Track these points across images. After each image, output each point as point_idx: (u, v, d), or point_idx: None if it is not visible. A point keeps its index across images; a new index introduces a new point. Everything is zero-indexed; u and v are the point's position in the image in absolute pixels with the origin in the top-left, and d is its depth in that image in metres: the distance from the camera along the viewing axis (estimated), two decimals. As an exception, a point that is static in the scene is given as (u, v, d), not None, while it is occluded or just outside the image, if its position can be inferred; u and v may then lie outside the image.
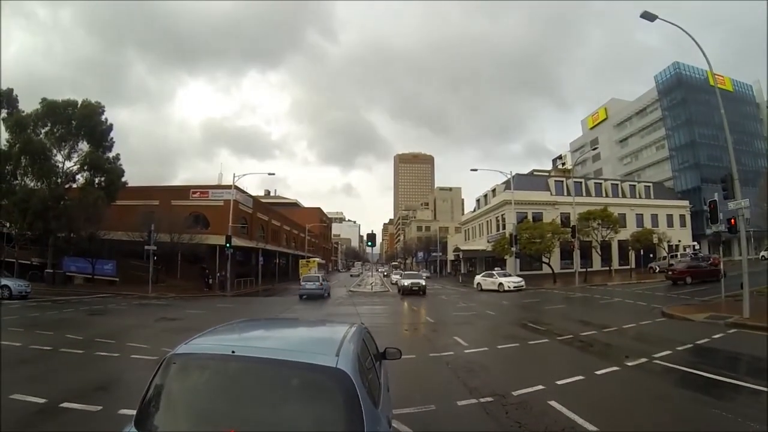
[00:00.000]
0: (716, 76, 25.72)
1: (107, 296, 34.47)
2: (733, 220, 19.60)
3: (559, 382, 10.04)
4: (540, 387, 9.75)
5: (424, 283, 42.63)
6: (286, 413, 3.54)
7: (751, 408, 8.22)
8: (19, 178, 43.15)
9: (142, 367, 11.76)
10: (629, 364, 11.62)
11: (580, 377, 10.48)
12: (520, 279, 44.71)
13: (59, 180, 44.34)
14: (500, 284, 43.45)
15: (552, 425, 7.55)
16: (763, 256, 60.35)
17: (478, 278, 49.07)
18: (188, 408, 3.75)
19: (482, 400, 9.02)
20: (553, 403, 8.63)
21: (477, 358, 13.21)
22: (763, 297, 22.51)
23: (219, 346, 4.12)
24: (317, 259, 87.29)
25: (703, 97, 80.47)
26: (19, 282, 30.72)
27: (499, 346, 14.83)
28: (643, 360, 11.99)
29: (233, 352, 3.81)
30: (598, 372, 10.95)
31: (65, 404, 8.30)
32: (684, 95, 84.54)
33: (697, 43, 20.51)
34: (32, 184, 43.55)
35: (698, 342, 14.17)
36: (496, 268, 53.22)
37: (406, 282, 43.10)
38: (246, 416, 3.47)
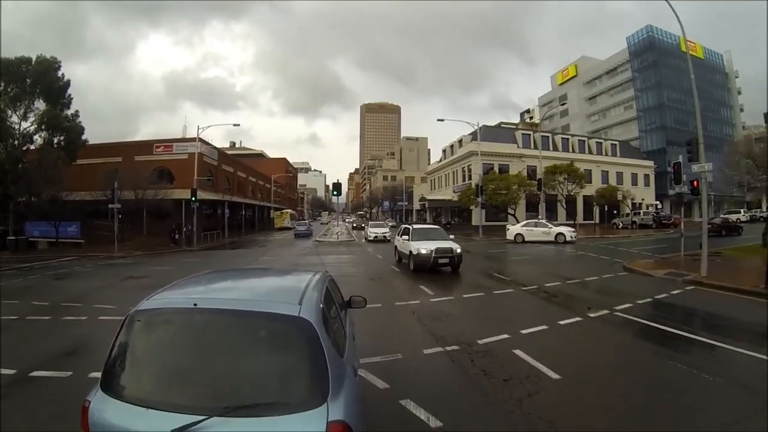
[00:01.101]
0: (688, 43, 25.69)
1: (72, 259, 33.72)
2: (695, 183, 19.77)
3: (523, 332, 10.23)
4: (505, 336, 9.92)
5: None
6: (249, 364, 3.57)
7: (705, 361, 8.43)
8: None
9: (110, 328, 11.50)
10: (591, 315, 11.81)
11: (544, 327, 10.66)
12: (573, 229, 42.75)
13: (16, 142, 42.29)
14: (559, 234, 39.25)
15: (517, 373, 7.69)
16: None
17: (516, 228, 42.58)
18: (154, 365, 3.76)
19: (448, 348, 9.16)
20: (517, 351, 8.80)
21: (443, 307, 13.37)
22: (719, 257, 23.05)
23: (181, 299, 4.08)
24: (290, 211, 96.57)
25: (674, 61, 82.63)
26: None
27: (465, 296, 15.03)
28: (605, 312, 12.20)
29: (195, 305, 3.80)
30: (562, 322, 11.16)
31: (36, 373, 8.24)
32: (655, 58, 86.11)
33: (671, 6, 20.39)
34: None
35: (657, 297, 14.43)
36: (537, 216, 51.40)
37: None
38: (210, 368, 3.54)
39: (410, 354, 8.82)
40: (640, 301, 13.67)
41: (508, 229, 43.68)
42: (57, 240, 44.13)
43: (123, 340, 3.77)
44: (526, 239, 40.15)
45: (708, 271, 17.59)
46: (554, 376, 7.57)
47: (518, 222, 50.77)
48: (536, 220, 44.82)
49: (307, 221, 77.71)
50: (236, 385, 3.40)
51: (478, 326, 11.08)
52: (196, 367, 3.58)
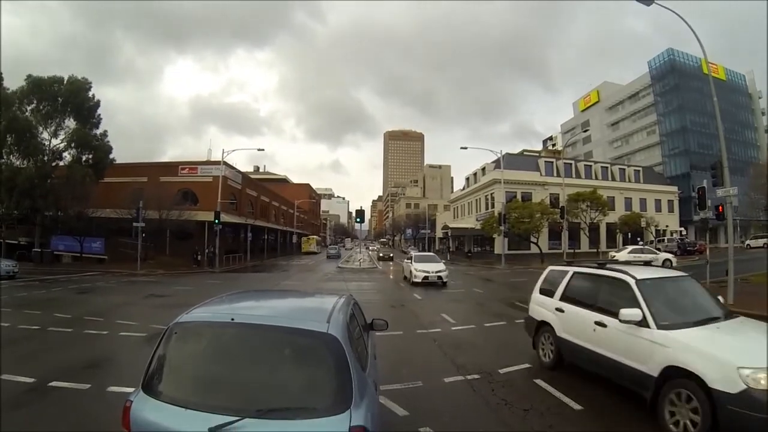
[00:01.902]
0: (710, 65, 25.44)
1: (96, 274, 34.18)
2: (720, 207, 19.62)
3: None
4: (526, 365, 9.91)
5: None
6: (281, 373, 4.00)
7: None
8: (4, 157, 42.18)
9: (131, 344, 11.98)
10: None
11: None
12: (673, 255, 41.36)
13: (46, 158, 43.43)
14: (666, 261, 36.09)
15: (537, 403, 7.65)
16: (748, 244, 60.77)
17: (624, 255, 37.46)
18: (192, 371, 4.14)
19: (469, 377, 9.15)
20: (539, 381, 8.78)
21: (464, 336, 13.37)
22: (746, 284, 22.63)
23: (218, 314, 4.57)
24: (316, 237, 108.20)
25: (696, 84, 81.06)
26: (6, 262, 30.12)
27: (486, 324, 14.96)
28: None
29: (232, 319, 4.25)
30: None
31: (54, 383, 8.33)
32: (677, 81, 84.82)
33: (692, 29, 20.39)
34: (18, 163, 42.68)
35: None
36: (639, 241, 51.28)
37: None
38: (244, 376, 3.96)
39: (430, 382, 8.83)
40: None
41: (614, 255, 39.35)
42: (81, 255, 45.04)
43: (164, 349, 4.15)
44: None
45: (735, 297, 17.31)
46: (576, 407, 7.53)
47: (541, 250, 50.62)
48: (642, 246, 44.62)
49: (337, 246, 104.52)
50: (268, 392, 3.83)
51: (499, 356, 11.02)
52: (232, 375, 3.96)
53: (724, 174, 19.01)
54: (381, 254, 73.94)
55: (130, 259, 40.15)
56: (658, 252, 38.84)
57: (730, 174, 19.30)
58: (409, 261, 31.33)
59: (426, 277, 27.98)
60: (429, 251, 72.36)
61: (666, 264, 32.79)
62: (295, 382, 3.95)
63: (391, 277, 36.24)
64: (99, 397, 7.78)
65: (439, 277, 28.18)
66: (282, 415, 3.56)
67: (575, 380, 8.92)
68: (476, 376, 9.17)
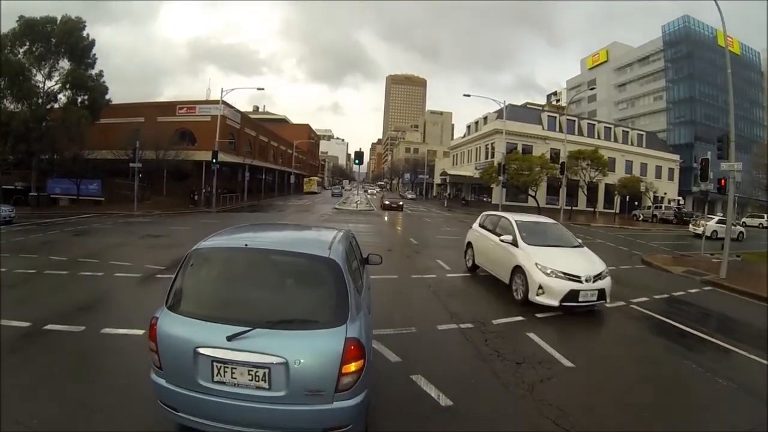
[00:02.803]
0: (726, 37, 24.74)
1: (92, 216, 33.70)
2: (723, 181, 19.34)
3: (538, 315, 10.19)
4: (520, 318, 9.93)
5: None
6: (288, 292, 4.75)
7: (719, 364, 8.29)
8: None
9: (126, 285, 11.87)
10: (608, 305, 11.53)
11: (559, 312, 10.48)
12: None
13: (40, 101, 42.02)
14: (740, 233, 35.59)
15: (530, 357, 7.64)
16: (743, 222, 60.60)
17: (713, 224, 34.96)
18: (211, 290, 4.76)
19: (462, 326, 9.14)
20: (532, 335, 8.76)
21: (459, 283, 13.43)
22: (738, 261, 22.62)
23: (233, 241, 5.25)
24: (317, 178, 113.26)
25: (709, 55, 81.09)
26: (3, 207, 29.54)
27: (482, 274, 14.73)
28: (621, 303, 12.07)
29: (246, 245, 4.77)
30: (578, 309, 10.94)
31: (49, 326, 8.21)
32: (690, 50, 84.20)
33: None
34: (12, 107, 41.15)
35: (674, 293, 14.20)
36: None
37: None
38: (256, 294, 4.64)
39: (424, 329, 8.80)
40: (656, 296, 13.50)
41: (703, 223, 32.48)
42: (78, 197, 44.17)
43: (184, 272, 4.72)
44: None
45: (727, 273, 17.27)
46: (567, 363, 7.51)
47: (538, 204, 50.52)
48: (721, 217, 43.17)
49: (339, 187, 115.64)
50: (277, 307, 4.48)
51: (492, 306, 11.05)
52: (245, 293, 4.63)
53: (731, 148, 18.66)
54: (387, 201, 56.10)
55: (127, 201, 39.70)
56: (736, 225, 37.81)
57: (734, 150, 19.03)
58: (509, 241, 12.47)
59: (573, 294, 10.62)
60: (426, 197, 70.87)
61: (740, 237, 36.44)
62: (300, 299, 4.67)
63: (388, 222, 36.03)
64: (93, 339, 7.71)
65: (602, 295, 11.10)
66: (288, 326, 4.22)
67: (566, 337, 9.05)
68: (469, 326, 9.14)
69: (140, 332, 7.57)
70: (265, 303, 4.52)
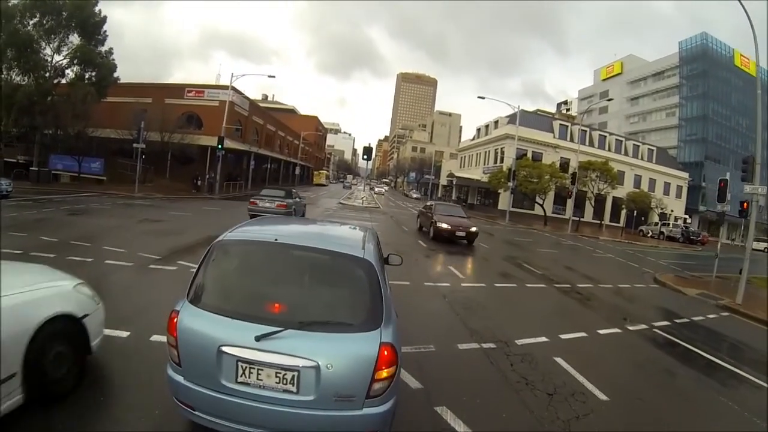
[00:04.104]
0: (743, 57, 23.88)
1: (92, 195, 33.15)
2: (745, 204, 18.91)
3: (563, 336, 9.53)
4: (544, 339, 9.20)
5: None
6: (320, 291, 4.49)
7: (752, 400, 7.75)
8: (4, 72, 39.99)
9: (114, 275, 10.94)
10: (630, 328, 11.10)
11: (583, 334, 9.90)
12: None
13: (47, 74, 41.45)
14: None
15: (561, 387, 6.93)
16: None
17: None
18: (237, 285, 4.53)
19: (484, 345, 8.39)
20: (559, 360, 8.04)
21: (474, 295, 12.61)
22: (753, 286, 21.95)
23: (261, 234, 4.99)
24: (325, 171, 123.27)
25: (724, 74, 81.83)
26: (1, 180, 28.94)
27: (497, 285, 14.21)
28: (643, 327, 11.50)
29: (276, 239, 4.60)
30: (601, 331, 10.42)
31: None
32: (706, 68, 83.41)
33: (748, 15, 18.74)
34: (19, 79, 40.62)
35: (694, 318, 13.64)
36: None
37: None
38: (287, 292, 4.41)
39: (444, 347, 8.04)
40: (678, 321, 12.94)
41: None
42: (79, 175, 43.41)
43: (208, 264, 4.48)
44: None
45: (743, 298, 16.78)
46: (602, 396, 6.80)
47: (545, 212, 50.04)
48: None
49: (350, 179, 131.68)
50: (309, 307, 4.28)
51: (513, 323, 10.35)
52: (275, 290, 4.42)
53: (756, 170, 18.18)
54: (443, 223, 24.28)
55: (129, 181, 39.21)
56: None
57: (740, 171, 18.51)
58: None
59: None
60: (431, 198, 70.70)
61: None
62: (333, 300, 4.40)
63: (394, 221, 35.32)
64: None
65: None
66: (321, 328, 4.00)
67: (595, 363, 8.33)
68: (492, 345, 8.40)
69: (125, 334, 7.02)
70: (296, 302, 4.32)
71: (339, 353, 3.89)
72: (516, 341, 8.76)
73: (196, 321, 4.07)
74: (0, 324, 4.17)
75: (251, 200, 24.32)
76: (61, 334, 5.02)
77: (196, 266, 4.55)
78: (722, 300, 16.95)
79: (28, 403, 4.52)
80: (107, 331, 6.60)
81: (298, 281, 4.54)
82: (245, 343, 3.85)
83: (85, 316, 5.47)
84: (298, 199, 27.14)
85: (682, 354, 9.94)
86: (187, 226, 18.87)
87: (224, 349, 3.89)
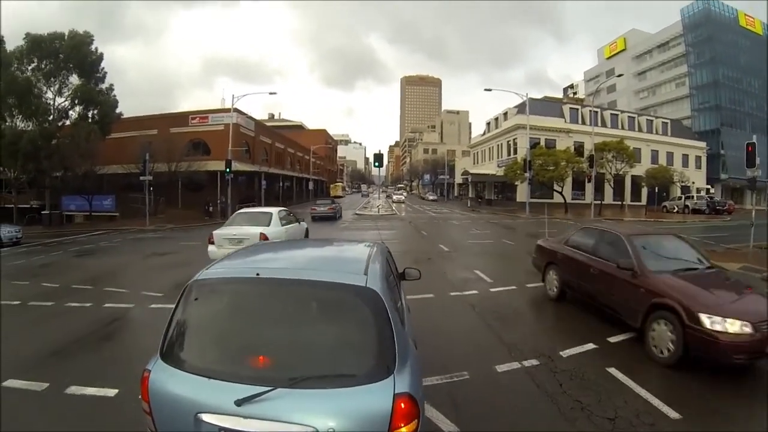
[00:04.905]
0: (747, 17, 23.03)
1: (103, 233, 32.99)
2: None
3: (611, 340, 8.41)
4: (591, 346, 8.07)
5: None
6: (315, 335, 3.54)
7: None
8: (7, 120, 40.58)
9: (111, 320, 10.23)
10: None
11: (632, 334, 8.56)
12: None
13: (51, 117, 42.08)
14: None
15: (622, 407, 5.85)
16: None
17: None
18: (215, 335, 3.70)
19: (525, 363, 7.28)
20: (613, 371, 6.94)
21: (506, 300, 11.50)
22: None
23: (241, 269, 4.16)
24: (341, 183, 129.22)
25: (731, 37, 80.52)
26: (8, 228, 28.56)
27: (528, 285, 13.02)
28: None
29: (258, 274, 3.75)
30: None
31: (7, 383, 6.66)
32: (711, 33, 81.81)
33: None
34: (22, 125, 41.25)
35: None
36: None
37: None
38: (274, 339, 3.55)
39: (478, 371, 6.96)
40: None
41: None
42: (90, 213, 44.34)
43: (182, 310, 3.73)
44: None
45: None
46: (673, 414, 5.70)
47: (565, 200, 49.12)
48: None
49: (367, 189, 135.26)
50: (302, 357, 3.42)
51: (553, 330, 9.37)
52: (260, 338, 3.60)
53: None
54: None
55: (140, 215, 39.08)
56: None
57: (758, 133, 17.38)
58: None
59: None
60: (448, 197, 69.88)
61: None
62: (330, 345, 3.51)
63: (414, 228, 34.23)
64: (55, 400, 6.18)
65: None
66: (318, 383, 3.19)
67: (654, 370, 7.22)
68: (534, 362, 7.30)
69: (112, 392, 6.16)
70: (285, 352, 3.49)
71: (342, 414, 3.10)
72: (561, 353, 7.68)
73: (169, 382, 3.38)
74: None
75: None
76: None
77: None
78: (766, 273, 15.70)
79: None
80: (91, 390, 6.10)
81: (286, 325, 3.67)
82: (226, 409, 3.14)
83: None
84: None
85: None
86: (195, 256, 18.11)
87: (202, 416, 3.20)
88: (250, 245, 5.65)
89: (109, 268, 17.70)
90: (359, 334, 3.53)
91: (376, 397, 3.13)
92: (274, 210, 18.12)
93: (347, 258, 5.00)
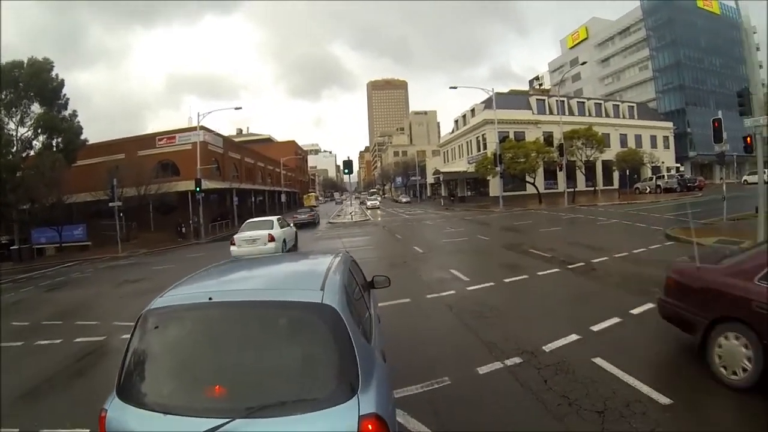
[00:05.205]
0: None
1: (75, 264, 32.16)
2: (749, 139, 17.87)
3: (594, 329, 8.17)
4: (574, 336, 7.83)
5: None
6: (272, 359, 3.32)
7: None
8: None
9: (83, 354, 9.85)
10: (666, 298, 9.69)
11: (617, 319, 8.54)
12: None
13: (14, 149, 40.63)
14: None
15: (611, 398, 5.60)
16: (745, 180, 60.45)
17: None
18: (170, 366, 3.51)
19: (508, 362, 6.99)
20: (599, 361, 6.71)
21: (484, 298, 11.17)
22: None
23: (195, 294, 3.87)
24: (314, 193, 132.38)
25: (690, 18, 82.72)
26: None
27: (506, 280, 12.85)
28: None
29: (210, 299, 3.58)
30: (634, 311, 9.01)
31: None
32: (670, 15, 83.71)
33: None
34: None
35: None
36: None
37: None
38: (230, 367, 3.34)
39: (459, 375, 6.66)
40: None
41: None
42: (61, 245, 42.81)
43: (137, 342, 3.55)
44: None
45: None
46: (663, 400, 5.47)
47: (538, 190, 49.32)
48: None
49: (343, 197, 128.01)
50: (259, 383, 3.22)
51: (535, 323, 8.97)
52: (216, 367, 3.38)
53: (753, 102, 17.18)
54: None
55: (113, 242, 38.11)
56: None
57: (723, 109, 17.60)
58: None
59: None
60: (421, 198, 70.06)
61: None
62: (288, 368, 3.30)
63: (388, 232, 34.04)
64: None
65: None
66: (277, 411, 2.95)
67: (641, 355, 7.00)
68: (517, 360, 7.02)
69: None
70: (242, 381, 3.24)
71: None
72: (543, 347, 7.42)
73: (125, 421, 3.19)
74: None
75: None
76: None
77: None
78: (743, 243, 15.57)
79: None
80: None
81: (242, 350, 3.43)
82: None
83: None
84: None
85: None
86: (168, 280, 17.41)
87: None
88: (214, 265, 5.31)
89: (80, 300, 17.19)
90: (318, 355, 3.35)
91: (339, 421, 2.94)
92: (273, 218, 24.62)
93: (304, 273, 4.89)
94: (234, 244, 21.79)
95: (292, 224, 27.84)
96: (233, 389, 3.19)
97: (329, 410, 2.96)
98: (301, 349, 3.40)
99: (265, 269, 5.48)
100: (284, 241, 22.87)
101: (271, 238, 21.39)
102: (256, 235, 21.71)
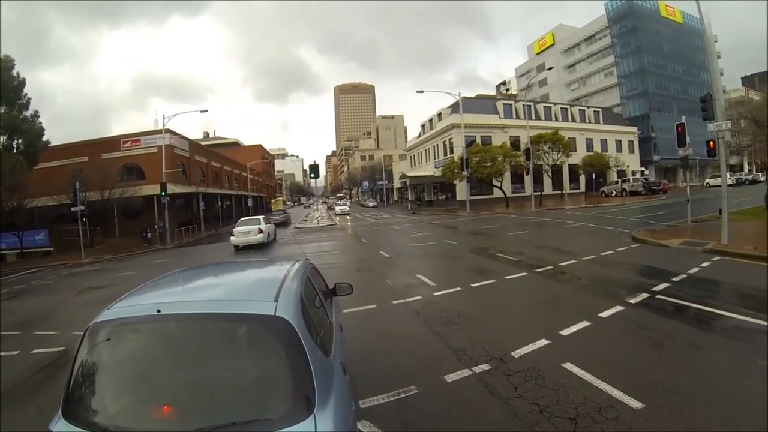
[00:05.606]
0: (668, 8, 23.54)
1: (36, 270, 31.09)
2: (712, 143, 18.11)
3: (564, 333, 8.08)
4: (544, 341, 7.71)
5: None
6: (222, 377, 3.10)
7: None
8: None
9: (41, 367, 9.41)
10: (632, 301, 9.81)
11: (586, 323, 8.48)
12: None
13: None
14: None
15: (583, 404, 5.48)
16: (707, 183, 61.82)
17: None
18: (117, 384, 3.28)
19: (476, 369, 6.81)
20: (569, 366, 6.59)
21: (452, 304, 10.98)
22: (730, 223, 21.44)
23: (143, 306, 3.62)
24: (282, 198, 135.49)
25: (654, 26, 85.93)
26: None
27: (474, 284, 12.69)
28: (645, 296, 10.22)
29: (159, 311, 3.35)
30: (603, 314, 9.01)
31: None
32: (635, 23, 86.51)
33: None
34: None
35: (690, 272, 12.53)
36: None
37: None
38: (179, 385, 3.15)
39: (427, 384, 6.46)
40: (675, 279, 11.75)
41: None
42: (23, 251, 41.26)
43: (83, 358, 3.28)
44: None
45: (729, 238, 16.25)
46: (635, 404, 5.39)
47: (505, 194, 49.55)
48: None
49: (311, 202, 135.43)
50: (210, 402, 3.00)
51: (504, 329, 8.83)
52: (165, 384, 3.19)
53: (716, 107, 17.70)
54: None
55: (76, 247, 37.20)
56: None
57: (687, 115, 17.99)
58: None
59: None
60: (388, 202, 70.51)
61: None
62: (241, 386, 3.03)
63: (355, 237, 33.90)
64: None
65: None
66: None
67: (611, 358, 6.93)
68: (486, 367, 6.84)
69: None
70: (190, 399, 3.03)
71: None
72: (513, 353, 7.27)
73: None
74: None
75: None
76: None
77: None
78: (707, 244, 16.35)
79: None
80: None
81: (192, 366, 3.21)
82: None
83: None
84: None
85: (698, 318, 8.66)
86: (131, 287, 17.03)
87: None
88: (168, 274, 5.00)
89: (39, 309, 16.55)
90: (272, 371, 3.15)
91: None
92: (260, 217, 33.63)
93: (259, 282, 4.72)
94: (233, 235, 29.71)
95: (272, 222, 36.11)
96: (183, 409, 3.01)
97: (284, 431, 2.78)
98: (254, 365, 3.20)
99: (221, 278, 5.28)
100: (269, 233, 30.40)
101: (260, 231, 29.19)
102: (249, 228, 29.61)
